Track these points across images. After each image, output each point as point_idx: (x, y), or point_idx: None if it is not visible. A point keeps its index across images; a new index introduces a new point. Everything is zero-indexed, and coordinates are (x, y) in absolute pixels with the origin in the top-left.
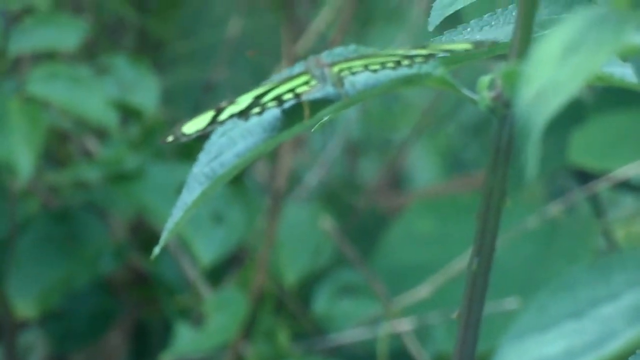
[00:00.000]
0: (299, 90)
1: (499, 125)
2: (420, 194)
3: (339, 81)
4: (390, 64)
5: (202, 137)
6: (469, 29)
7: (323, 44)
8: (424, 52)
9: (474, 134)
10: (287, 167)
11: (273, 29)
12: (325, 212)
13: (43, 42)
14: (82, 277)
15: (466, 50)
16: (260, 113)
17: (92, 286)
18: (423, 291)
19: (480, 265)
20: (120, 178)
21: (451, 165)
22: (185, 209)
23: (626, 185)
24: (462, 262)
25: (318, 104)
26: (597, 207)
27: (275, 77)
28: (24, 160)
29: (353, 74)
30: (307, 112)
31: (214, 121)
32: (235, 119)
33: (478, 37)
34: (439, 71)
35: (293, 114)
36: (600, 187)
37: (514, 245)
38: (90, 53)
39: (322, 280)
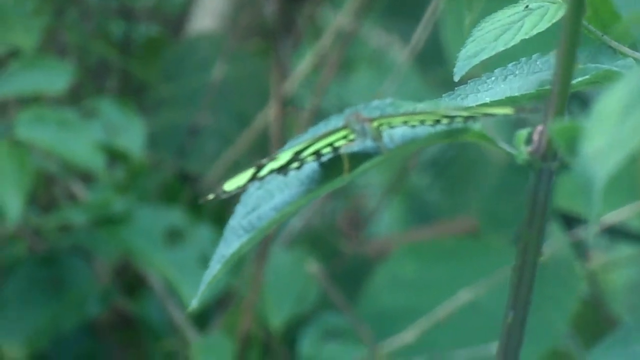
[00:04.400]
0: (337, 144)
1: (536, 179)
2: (404, 239)
3: (378, 135)
4: (430, 122)
5: (184, 181)
6: (492, 78)
7: (309, 86)
8: (465, 113)
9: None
10: None
11: (257, 73)
12: (311, 256)
13: (30, 86)
14: (68, 321)
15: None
16: (299, 168)
17: (78, 329)
18: (408, 335)
19: (515, 318)
20: (107, 221)
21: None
22: (224, 262)
23: (613, 231)
24: (447, 307)
25: (357, 158)
26: (582, 252)
27: (314, 132)
28: (13, 203)
29: (391, 127)
30: (346, 165)
31: (254, 178)
32: (274, 175)
33: (502, 86)
34: (478, 126)
35: (331, 168)
36: (587, 232)
37: (499, 289)
38: (75, 96)
39: (308, 324)
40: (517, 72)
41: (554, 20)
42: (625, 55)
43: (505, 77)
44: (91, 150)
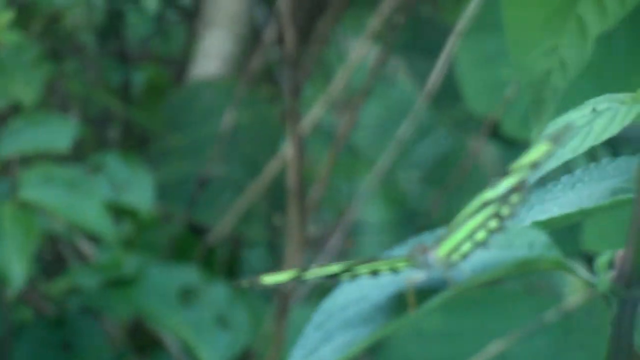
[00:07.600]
0: (398, 269)
1: (619, 308)
2: None
3: (446, 266)
4: (492, 222)
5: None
6: (559, 186)
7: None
8: (511, 182)
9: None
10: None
11: (265, 119)
12: None
13: (33, 143)
14: None
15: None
16: (351, 277)
17: None
18: None
19: None
20: (118, 282)
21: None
22: None
23: None
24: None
25: (423, 293)
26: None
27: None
28: (16, 270)
29: (462, 255)
30: (411, 301)
31: (297, 278)
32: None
33: (570, 195)
34: (554, 253)
35: (393, 304)
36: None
37: (528, 340)
38: (78, 149)
39: None
40: (585, 179)
41: (625, 123)
42: None
43: (574, 185)
44: (100, 212)
